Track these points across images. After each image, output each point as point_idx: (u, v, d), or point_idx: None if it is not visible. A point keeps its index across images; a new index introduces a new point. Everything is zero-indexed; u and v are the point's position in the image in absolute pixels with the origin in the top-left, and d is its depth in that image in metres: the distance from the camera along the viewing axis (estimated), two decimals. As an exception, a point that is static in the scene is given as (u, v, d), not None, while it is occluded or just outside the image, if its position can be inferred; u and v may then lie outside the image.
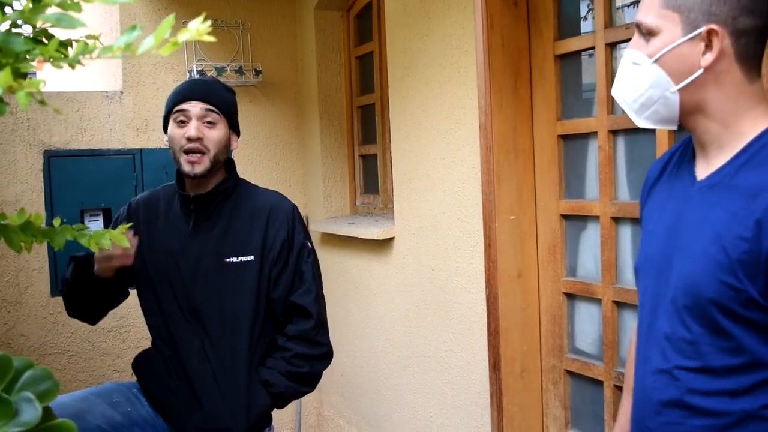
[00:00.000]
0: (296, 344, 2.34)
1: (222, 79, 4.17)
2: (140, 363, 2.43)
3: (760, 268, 1.22)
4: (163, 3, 4.18)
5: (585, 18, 2.66)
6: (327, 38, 4.41)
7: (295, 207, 2.47)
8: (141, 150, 4.15)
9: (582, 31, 2.66)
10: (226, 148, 2.37)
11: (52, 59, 0.97)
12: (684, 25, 1.31)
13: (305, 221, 4.57)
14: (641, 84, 1.38)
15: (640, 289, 1.50)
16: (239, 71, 4.27)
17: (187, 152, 2.27)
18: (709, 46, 1.30)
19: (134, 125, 4.15)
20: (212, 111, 2.31)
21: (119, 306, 2.50)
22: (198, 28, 0.91)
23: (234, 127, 2.42)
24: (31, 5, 0.93)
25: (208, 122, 2.30)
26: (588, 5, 2.63)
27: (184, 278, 2.33)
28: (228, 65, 4.24)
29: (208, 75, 4.13)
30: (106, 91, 4.11)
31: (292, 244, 2.39)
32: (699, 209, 1.35)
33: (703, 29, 1.29)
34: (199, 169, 2.28)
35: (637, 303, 2.32)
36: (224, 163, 2.39)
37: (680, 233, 1.37)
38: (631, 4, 2.42)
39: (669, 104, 1.36)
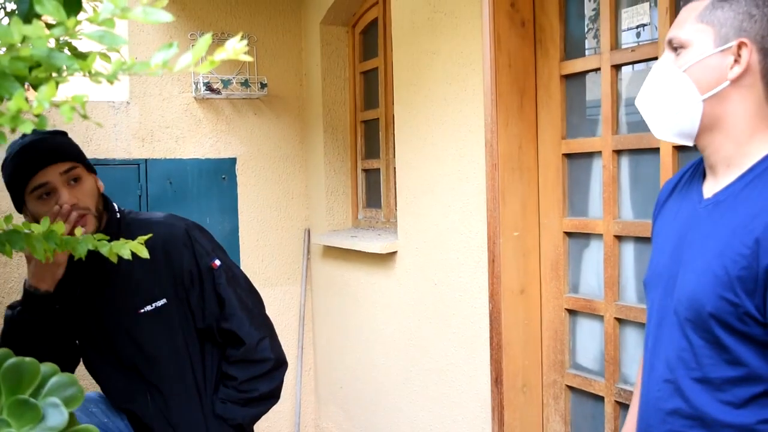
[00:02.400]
0: (239, 369, 2.28)
1: (227, 92, 4.23)
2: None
3: (758, 285, 1.27)
4: (171, 15, 4.21)
5: (593, 38, 2.70)
6: (332, 53, 4.46)
7: (187, 228, 2.32)
8: (146, 160, 4.18)
9: (587, 51, 2.71)
10: (98, 193, 2.19)
11: (90, 74, 1.00)
12: (716, 38, 1.37)
13: (307, 234, 4.61)
14: (668, 93, 1.43)
15: (648, 302, 1.55)
16: (245, 84, 4.31)
17: (70, 221, 2.03)
18: (737, 60, 1.35)
19: (140, 135, 4.19)
20: (75, 168, 2.10)
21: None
22: (235, 47, 0.95)
23: (90, 168, 2.20)
24: (73, 20, 0.96)
25: (74, 180, 2.10)
26: (594, 27, 2.67)
27: (112, 341, 2.26)
28: (234, 78, 4.28)
29: (215, 87, 4.18)
30: (113, 101, 4.15)
31: (200, 271, 2.28)
32: (704, 226, 1.40)
33: (734, 42, 1.35)
34: (90, 227, 2.10)
35: (644, 317, 2.36)
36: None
37: (686, 249, 1.42)
38: (638, 26, 2.47)
39: (691, 116, 1.40)
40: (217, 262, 2.30)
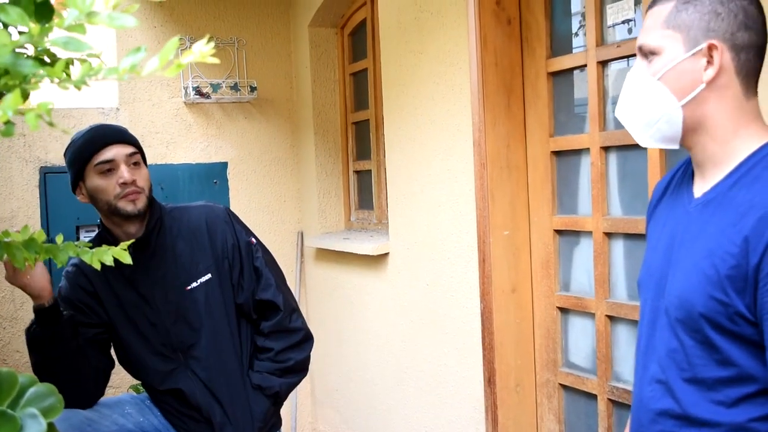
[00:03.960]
0: (275, 340, 2.41)
1: (217, 96, 4.22)
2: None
3: (748, 284, 1.26)
4: (159, 20, 4.21)
5: (576, 35, 2.70)
6: (321, 55, 4.45)
7: (227, 208, 2.51)
8: (137, 166, 4.17)
9: (574, 48, 2.70)
10: (150, 183, 2.35)
11: (58, 81, 0.99)
12: (685, 43, 1.36)
13: (300, 237, 4.60)
14: (645, 103, 1.41)
15: (641, 302, 1.54)
16: (234, 87, 4.30)
17: (123, 196, 2.22)
18: (710, 62, 1.34)
19: (130, 141, 4.17)
20: (137, 154, 2.28)
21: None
22: (201, 50, 0.94)
23: (146, 161, 2.38)
24: (37, 27, 0.95)
25: (135, 164, 2.26)
26: (580, 23, 2.67)
27: (160, 320, 2.34)
28: (223, 82, 4.27)
29: (204, 91, 4.17)
30: (102, 108, 4.13)
31: (239, 246, 2.42)
32: (694, 226, 1.39)
33: (704, 45, 1.34)
34: (140, 204, 2.24)
35: (635, 314, 2.36)
36: None
37: (677, 249, 1.41)
38: (623, 22, 2.46)
39: (672, 121, 1.39)
40: (254, 240, 2.47)
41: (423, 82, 3.18)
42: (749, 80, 1.36)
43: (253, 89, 4.34)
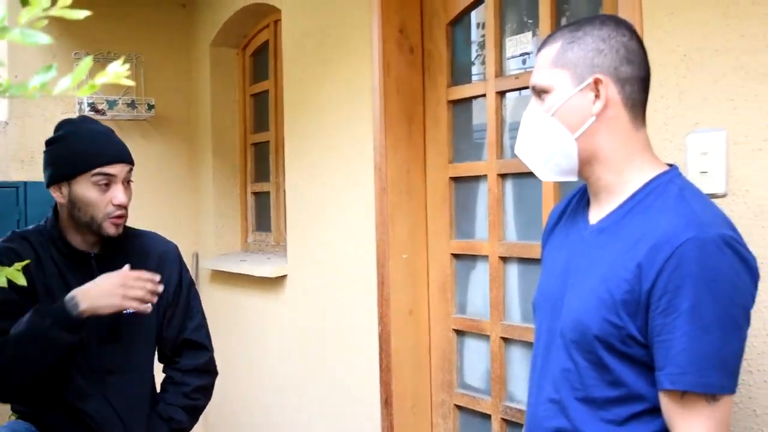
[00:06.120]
0: (194, 378, 2.37)
1: (113, 113, 4.14)
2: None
3: (640, 308, 1.33)
4: (54, 34, 4.08)
5: (479, 65, 2.78)
6: (222, 75, 4.42)
7: (176, 246, 2.48)
8: (26, 183, 4.01)
9: (474, 78, 2.79)
10: None
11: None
12: (573, 80, 1.44)
13: (195, 258, 4.53)
14: (541, 139, 1.49)
15: (536, 324, 1.60)
16: (131, 105, 4.22)
17: (112, 217, 2.16)
18: (597, 95, 1.42)
19: (19, 157, 4.03)
20: (131, 171, 2.24)
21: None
22: (117, 71, 0.93)
23: None
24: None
25: (128, 182, 2.23)
26: (480, 54, 2.76)
27: (87, 337, 2.18)
28: (120, 99, 4.18)
29: (100, 108, 4.07)
30: (-10, 122, 3.98)
31: (182, 284, 2.40)
32: (589, 252, 1.46)
33: (590, 80, 1.42)
34: (121, 230, 2.21)
35: (529, 335, 2.43)
36: None
37: (572, 273, 1.48)
38: (521, 54, 2.56)
39: (568, 155, 1.46)
40: (192, 278, 2.46)
41: (326, 106, 3.21)
42: (636, 111, 1.45)
43: (150, 107, 4.28)
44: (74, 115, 4.12)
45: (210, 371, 2.43)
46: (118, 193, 2.15)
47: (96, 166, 2.13)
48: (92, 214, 2.14)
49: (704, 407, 1.30)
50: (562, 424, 1.45)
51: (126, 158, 2.21)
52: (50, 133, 4.10)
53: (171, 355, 2.39)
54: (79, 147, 2.16)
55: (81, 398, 2.22)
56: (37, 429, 2.28)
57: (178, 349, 2.38)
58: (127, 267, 2.13)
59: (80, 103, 4.10)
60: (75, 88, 0.93)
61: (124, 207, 2.18)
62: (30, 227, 2.28)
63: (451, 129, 2.84)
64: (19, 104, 4.03)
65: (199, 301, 2.48)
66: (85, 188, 2.14)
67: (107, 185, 2.15)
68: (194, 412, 2.39)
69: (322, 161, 3.26)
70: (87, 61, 0.92)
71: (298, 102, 3.44)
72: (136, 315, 2.19)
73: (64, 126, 2.25)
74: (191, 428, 2.41)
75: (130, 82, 0.94)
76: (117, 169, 2.16)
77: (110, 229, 2.17)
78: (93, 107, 4.08)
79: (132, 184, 2.26)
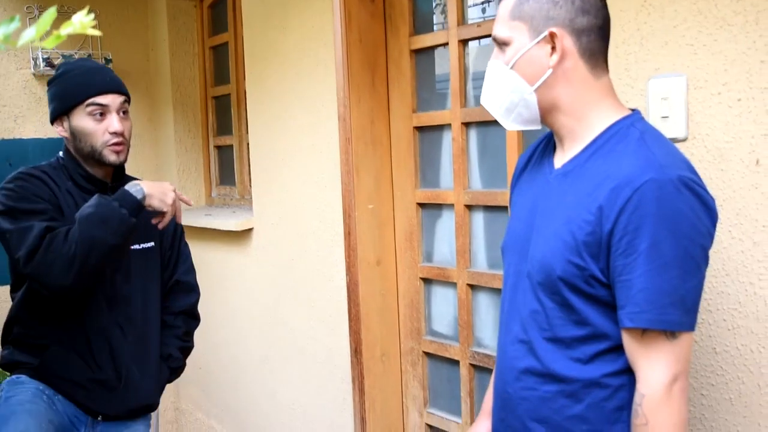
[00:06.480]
0: (183, 321, 2.52)
1: (70, 68, 4.04)
2: (51, 368, 2.28)
3: (602, 249, 1.37)
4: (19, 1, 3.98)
5: (441, 14, 2.77)
6: (180, 28, 4.35)
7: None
8: (-16, 140, 3.95)
9: (436, 27, 2.78)
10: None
11: None
12: (530, 32, 1.45)
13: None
14: (503, 90, 1.51)
15: (504, 267, 1.63)
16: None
17: (110, 144, 2.25)
18: (554, 48, 1.43)
19: (-25, 114, 3.95)
20: (127, 103, 2.32)
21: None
22: (82, 21, 0.92)
23: None
24: None
25: (124, 113, 2.30)
26: (441, 2, 2.75)
27: (107, 270, 2.26)
28: (76, 53, 4.10)
29: (55, 63, 3.99)
30: (-58, 79, 3.89)
31: (176, 229, 2.51)
32: (554, 195, 1.49)
33: (545, 33, 1.43)
34: (122, 157, 2.29)
35: (495, 282, 2.47)
36: None
37: (538, 216, 1.51)
38: (482, 2, 2.55)
39: (529, 105, 1.49)
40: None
41: (287, 57, 3.18)
42: (595, 60, 1.46)
43: (108, 61, 4.20)
44: (29, 70, 4.05)
45: (196, 317, 2.59)
46: (113, 122, 2.24)
47: (88, 97, 2.23)
48: (92, 143, 2.24)
49: (664, 344, 1.34)
50: (532, 363, 1.49)
51: (117, 88, 2.29)
52: (5, 90, 4.04)
53: (162, 297, 2.48)
54: (73, 82, 2.26)
55: (104, 332, 2.28)
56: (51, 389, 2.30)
57: (170, 290, 2.50)
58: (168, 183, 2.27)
59: (35, 59, 4.02)
60: (39, 40, 0.92)
61: (121, 134, 2.26)
62: (42, 163, 2.32)
63: (415, 78, 2.83)
64: (-28, 61, 3.94)
65: (188, 247, 2.59)
66: (82, 119, 2.24)
67: (102, 115, 2.24)
68: (186, 353, 2.54)
69: (285, 113, 3.24)
70: (51, 12, 0.90)
71: (259, 54, 3.40)
72: (143, 254, 2.36)
73: (62, 66, 2.35)
74: (184, 368, 2.55)
75: (97, 32, 0.93)
76: (109, 99, 2.25)
77: (111, 156, 2.26)
78: (48, 62, 4.00)
79: (128, 116, 2.33)
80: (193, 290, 2.57)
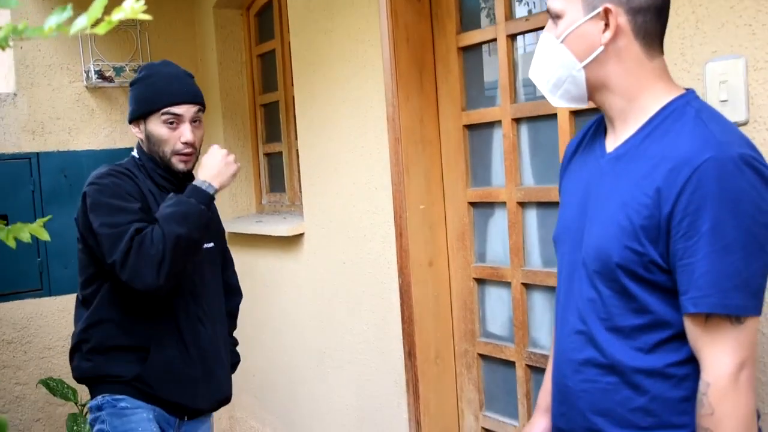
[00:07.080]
0: (231, 320, 2.64)
1: (120, 80, 4.11)
2: (152, 374, 2.27)
3: (660, 233, 1.32)
4: (54, 1, 4.05)
5: (488, 9, 2.74)
6: (227, 37, 4.39)
7: None
8: (38, 154, 4.02)
9: (483, 23, 2.75)
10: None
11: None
12: (585, 6, 1.41)
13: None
14: (551, 65, 1.47)
15: (558, 257, 1.59)
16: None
17: (180, 153, 2.31)
18: (607, 24, 1.39)
19: (30, 128, 4.03)
20: (201, 112, 2.37)
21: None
22: (133, 6, 0.92)
23: None
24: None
25: (196, 122, 2.34)
26: (488, -1, 2.72)
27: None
28: (127, 65, 4.16)
29: (107, 75, 4.05)
30: (-2, 94, 3.97)
31: (223, 232, 2.65)
32: (608, 179, 1.44)
33: (600, 8, 1.39)
34: (190, 166, 2.36)
35: (550, 280, 2.42)
36: None
37: (592, 202, 1.47)
38: (530, -4, 2.52)
39: (577, 82, 1.45)
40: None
41: (334, 60, 3.18)
42: (650, 41, 1.42)
43: (157, 73, 4.24)
44: (82, 83, 4.11)
45: (236, 316, 2.70)
46: (185, 132, 2.30)
47: (165, 106, 2.29)
48: (163, 149, 2.30)
49: (729, 330, 1.29)
50: (591, 354, 1.44)
51: (193, 99, 2.33)
52: (59, 103, 4.11)
53: None
54: (152, 88, 2.32)
55: (193, 323, 2.35)
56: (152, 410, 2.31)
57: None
58: (215, 146, 2.34)
59: (87, 71, 4.08)
60: (91, 27, 0.92)
61: (191, 144, 2.31)
62: (120, 162, 2.37)
63: (463, 76, 2.81)
64: (26, 75, 4.02)
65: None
66: (157, 126, 2.30)
67: (176, 123, 2.30)
68: (235, 353, 2.66)
69: (333, 116, 3.24)
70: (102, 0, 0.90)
71: (306, 59, 3.41)
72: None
73: (145, 69, 2.40)
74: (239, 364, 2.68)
75: (147, 17, 0.92)
76: (183, 110, 2.30)
77: (179, 165, 2.32)
78: (100, 74, 4.07)
79: (201, 126, 2.37)
80: (238, 292, 2.71)
